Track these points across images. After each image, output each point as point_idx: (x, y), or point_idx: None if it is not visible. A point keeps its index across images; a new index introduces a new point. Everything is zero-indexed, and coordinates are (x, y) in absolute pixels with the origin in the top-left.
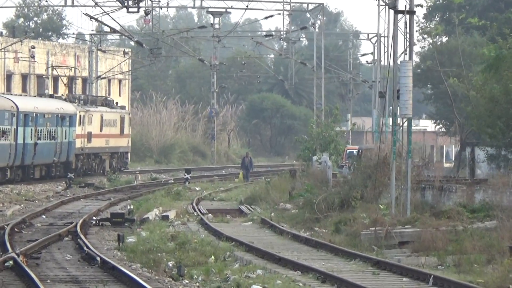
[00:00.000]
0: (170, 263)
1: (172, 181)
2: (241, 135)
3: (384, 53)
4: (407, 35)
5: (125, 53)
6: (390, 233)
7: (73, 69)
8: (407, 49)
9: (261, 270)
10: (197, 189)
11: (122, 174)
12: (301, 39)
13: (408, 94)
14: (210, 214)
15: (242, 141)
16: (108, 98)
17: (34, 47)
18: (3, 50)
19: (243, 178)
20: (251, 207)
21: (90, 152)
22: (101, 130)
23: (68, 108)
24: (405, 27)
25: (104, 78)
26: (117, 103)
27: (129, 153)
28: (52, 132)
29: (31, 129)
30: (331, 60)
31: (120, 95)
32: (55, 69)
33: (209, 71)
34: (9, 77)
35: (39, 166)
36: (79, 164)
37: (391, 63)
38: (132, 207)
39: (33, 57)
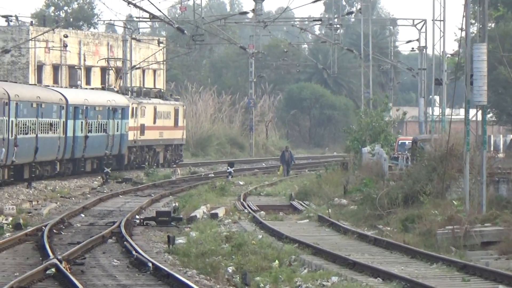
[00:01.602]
0: (230, 269)
1: (213, 175)
2: (279, 126)
3: (440, 38)
4: (481, 16)
5: (159, 42)
6: (469, 232)
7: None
8: (480, 31)
9: (336, 277)
10: (241, 183)
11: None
12: (337, 25)
13: (482, 79)
14: (262, 212)
15: (280, 133)
16: (162, 90)
17: (66, 36)
18: (33, 39)
19: (282, 173)
20: (304, 203)
21: (143, 145)
22: (154, 122)
23: (120, 100)
24: (465, 9)
25: (139, 68)
26: (171, 94)
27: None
28: (103, 124)
29: (81, 122)
30: (373, 48)
31: (154, 85)
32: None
33: (246, 60)
34: (40, 68)
35: (90, 159)
36: (132, 157)
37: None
38: (177, 204)
39: (65, 46)
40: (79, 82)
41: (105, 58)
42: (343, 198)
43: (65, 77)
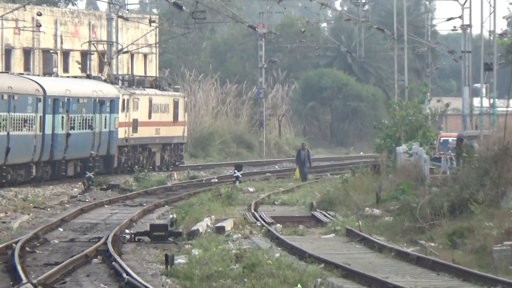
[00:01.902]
0: None
1: (216, 180)
2: (294, 121)
3: (490, 14)
4: None
5: (151, 21)
6: None
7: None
8: None
9: None
10: (251, 190)
11: (179, 169)
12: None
13: None
14: (278, 224)
15: (296, 129)
16: (159, 78)
17: (40, 14)
18: (0, 18)
19: (298, 177)
20: (328, 214)
21: (136, 144)
22: (149, 117)
23: (109, 90)
24: None
25: (127, 52)
26: (169, 84)
27: (184, 145)
28: (88, 120)
29: (62, 117)
30: (407, 27)
31: (145, 72)
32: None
33: (254, 43)
34: (8, 52)
35: (73, 162)
36: (123, 159)
37: None
38: (174, 215)
39: (39, 26)
40: (55, 69)
41: (90, 41)
42: (375, 208)
43: (39, 63)
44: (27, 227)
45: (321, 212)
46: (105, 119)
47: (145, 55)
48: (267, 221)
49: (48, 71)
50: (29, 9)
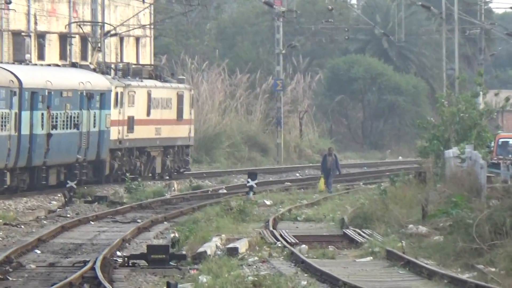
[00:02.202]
0: None
1: (225, 191)
2: (318, 118)
3: None
4: None
5: None
6: None
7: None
8: None
9: None
10: (267, 202)
11: (180, 177)
12: None
13: None
14: (303, 245)
15: (321, 128)
16: (159, 67)
17: None
18: None
19: (323, 188)
20: (363, 232)
21: (132, 147)
22: (148, 114)
23: (98, 82)
24: None
25: (115, 35)
26: (172, 74)
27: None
28: (74, 117)
29: (42, 114)
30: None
31: (137, 59)
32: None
33: (269, 23)
34: None
35: (55, 168)
36: (116, 164)
37: None
38: (176, 234)
39: (8, 3)
40: (27, 56)
41: (75, 22)
42: (421, 225)
43: (8, 49)
44: None
45: (354, 230)
46: (94, 117)
47: (137, 39)
48: (289, 241)
49: (19, 58)
50: None
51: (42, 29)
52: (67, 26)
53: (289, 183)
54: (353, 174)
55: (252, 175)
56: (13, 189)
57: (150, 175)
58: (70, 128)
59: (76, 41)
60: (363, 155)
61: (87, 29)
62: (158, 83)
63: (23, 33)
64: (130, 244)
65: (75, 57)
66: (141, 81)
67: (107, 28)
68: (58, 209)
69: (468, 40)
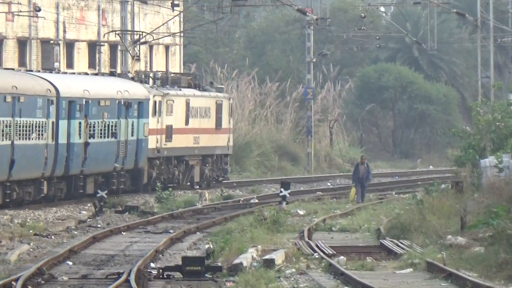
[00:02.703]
0: None
1: (256, 201)
2: (349, 127)
3: None
4: None
5: (174, 4)
6: None
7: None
8: None
9: None
10: (300, 212)
11: (218, 186)
12: None
13: None
14: (341, 257)
15: (351, 137)
16: (198, 76)
17: None
18: None
19: (355, 196)
20: (401, 243)
21: (170, 155)
22: (186, 123)
23: (137, 91)
24: None
25: (145, 43)
26: (211, 82)
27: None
28: (111, 126)
29: (79, 123)
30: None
31: (167, 68)
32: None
33: (299, 31)
34: None
35: (93, 177)
36: (154, 173)
37: None
38: (211, 245)
39: (38, 11)
40: (56, 64)
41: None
42: (459, 236)
43: (37, 57)
44: (28, 259)
45: (391, 241)
46: (132, 125)
47: (166, 47)
48: (326, 252)
49: (48, 66)
50: None
51: (71, 37)
52: (95, 34)
53: (320, 193)
54: (385, 184)
55: (285, 184)
56: (50, 198)
57: (188, 184)
58: (108, 137)
59: (105, 49)
60: (394, 164)
61: (117, 37)
62: (196, 92)
63: (52, 41)
64: (164, 255)
65: (104, 65)
66: (180, 90)
67: (136, 36)
68: (89, 219)
69: (499, 49)
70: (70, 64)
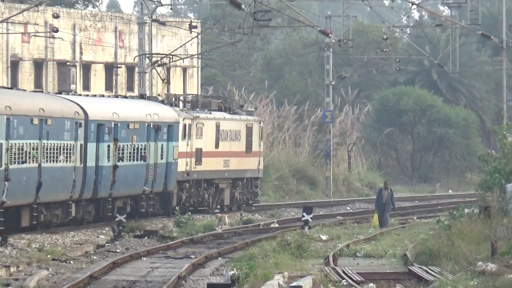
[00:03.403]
0: None
1: (277, 225)
2: (367, 151)
3: None
4: None
5: (191, 26)
6: None
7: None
8: None
9: None
10: (323, 237)
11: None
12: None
13: None
14: (371, 284)
15: (369, 161)
16: (229, 99)
17: (57, 16)
18: (5, 21)
19: (377, 224)
20: (430, 269)
21: (200, 178)
22: (216, 146)
23: (166, 114)
24: None
25: (163, 65)
26: (241, 106)
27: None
28: (141, 149)
29: (108, 146)
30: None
31: (184, 90)
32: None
33: (316, 54)
34: (15, 64)
35: (121, 199)
36: (184, 196)
37: None
38: (235, 271)
39: (55, 31)
40: (73, 86)
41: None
42: (490, 262)
43: (53, 79)
44: (47, 286)
45: (420, 267)
46: (162, 149)
47: (184, 69)
48: (354, 278)
49: (64, 88)
50: (41, 11)
51: (87, 58)
52: (111, 56)
53: (341, 217)
54: (405, 208)
55: (308, 209)
56: (78, 221)
57: (218, 207)
58: (137, 160)
59: (122, 71)
60: (412, 189)
61: (133, 59)
62: (227, 115)
63: (68, 63)
64: (187, 281)
65: (121, 87)
66: (210, 113)
67: (155, 57)
68: (107, 244)
69: None
70: (86, 86)
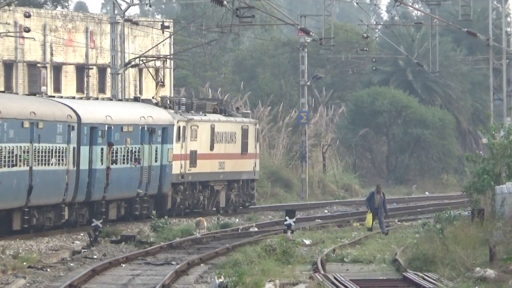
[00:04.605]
0: None
1: (256, 229)
2: (342, 152)
3: None
4: None
5: (164, 26)
6: None
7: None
8: None
9: None
10: (307, 242)
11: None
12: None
13: None
14: None
15: (344, 162)
16: (224, 101)
17: (29, 15)
18: None
19: (371, 224)
20: (427, 276)
21: (195, 181)
22: (211, 148)
23: (160, 116)
24: None
25: (135, 66)
26: (237, 108)
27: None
28: (134, 152)
29: (102, 149)
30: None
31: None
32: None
33: (288, 55)
34: None
35: (115, 202)
36: (178, 198)
37: None
38: (223, 279)
39: (27, 31)
40: (43, 88)
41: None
42: (488, 268)
43: (23, 81)
44: None
45: (415, 274)
46: (156, 151)
47: (156, 70)
48: (347, 285)
49: (34, 90)
50: (11, 10)
51: (58, 60)
52: (83, 57)
53: (320, 220)
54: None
55: (290, 212)
56: (71, 224)
57: (214, 209)
58: (131, 163)
59: (93, 73)
60: (388, 191)
61: (106, 59)
62: (222, 117)
63: (38, 64)
64: None
65: (93, 89)
66: (205, 115)
67: (126, 58)
68: (83, 250)
69: (494, 71)
70: (57, 88)
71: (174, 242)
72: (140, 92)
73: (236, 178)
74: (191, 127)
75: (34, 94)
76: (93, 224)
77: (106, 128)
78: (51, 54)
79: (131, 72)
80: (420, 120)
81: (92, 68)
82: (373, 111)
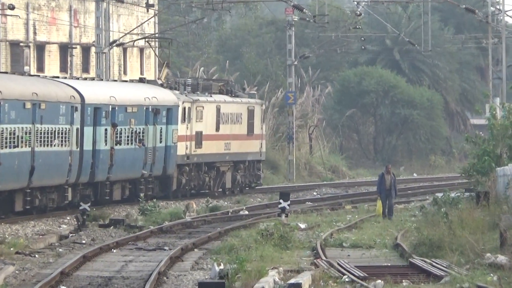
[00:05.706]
0: None
1: (246, 212)
2: (328, 134)
3: None
4: None
5: (149, 5)
6: None
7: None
8: None
9: None
10: (302, 226)
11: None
12: None
13: None
14: (378, 280)
15: (331, 144)
16: (230, 81)
17: None
18: None
19: (381, 211)
20: (436, 262)
21: (200, 162)
22: (217, 129)
23: (165, 97)
24: None
25: (120, 45)
26: (244, 88)
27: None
28: (139, 133)
29: (106, 130)
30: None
31: (142, 71)
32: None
33: (273, 34)
34: None
35: (119, 183)
36: (184, 180)
37: None
38: (222, 266)
39: (11, 8)
40: (26, 68)
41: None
42: (499, 253)
43: (6, 60)
44: (16, 284)
45: (423, 260)
46: (161, 132)
47: (141, 50)
48: (355, 274)
49: (17, 70)
50: None
51: (41, 39)
52: (66, 36)
53: (310, 203)
54: (372, 193)
55: (284, 195)
56: (75, 205)
57: (220, 189)
58: (135, 144)
59: (77, 52)
60: (375, 172)
61: (90, 39)
62: (227, 98)
63: (21, 43)
64: (168, 277)
65: (76, 69)
66: (210, 96)
67: (111, 38)
68: (71, 234)
69: (482, 51)
70: (40, 68)
71: (164, 226)
72: (125, 72)
73: (242, 159)
74: (196, 108)
75: (38, 75)
76: (80, 208)
77: (110, 109)
78: (34, 33)
79: (116, 51)
80: (408, 101)
81: (76, 48)
82: (360, 91)
